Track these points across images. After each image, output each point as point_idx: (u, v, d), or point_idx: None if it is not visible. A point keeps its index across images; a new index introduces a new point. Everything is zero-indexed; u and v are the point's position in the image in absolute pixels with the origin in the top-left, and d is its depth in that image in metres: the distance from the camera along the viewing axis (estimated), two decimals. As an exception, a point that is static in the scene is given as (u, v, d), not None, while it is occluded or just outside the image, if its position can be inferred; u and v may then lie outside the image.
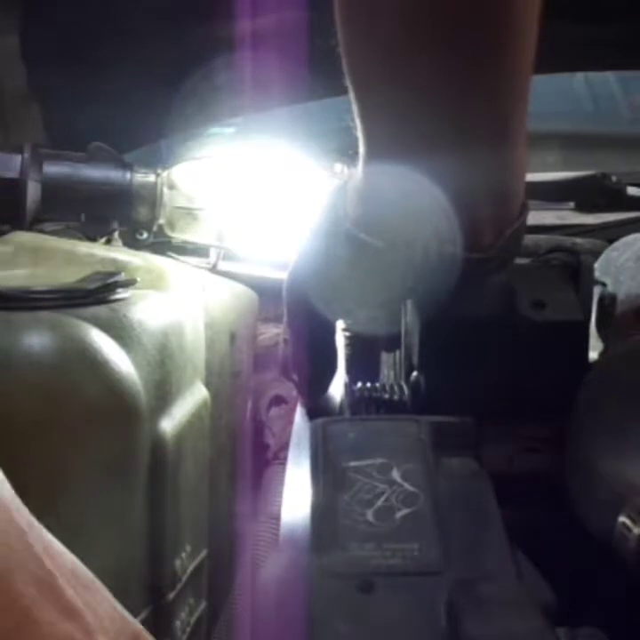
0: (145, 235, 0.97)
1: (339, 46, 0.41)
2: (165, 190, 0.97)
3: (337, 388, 0.50)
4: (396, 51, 0.40)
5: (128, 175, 0.96)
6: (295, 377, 0.55)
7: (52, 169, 0.94)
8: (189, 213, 0.98)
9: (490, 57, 0.39)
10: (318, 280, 0.48)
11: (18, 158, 0.92)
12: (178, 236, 0.99)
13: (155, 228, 0.97)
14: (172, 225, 0.98)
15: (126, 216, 0.96)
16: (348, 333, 0.51)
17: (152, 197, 0.97)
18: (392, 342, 0.47)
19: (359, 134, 0.43)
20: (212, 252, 0.99)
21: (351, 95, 0.42)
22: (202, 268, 0.97)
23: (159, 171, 0.98)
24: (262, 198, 0.99)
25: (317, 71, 1.03)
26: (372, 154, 0.43)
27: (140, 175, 0.96)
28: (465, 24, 0.38)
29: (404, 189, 0.42)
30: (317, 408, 0.51)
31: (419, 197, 0.41)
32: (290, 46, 1.03)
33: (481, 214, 0.42)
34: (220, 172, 0.99)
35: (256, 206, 0.99)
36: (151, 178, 0.97)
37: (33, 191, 0.92)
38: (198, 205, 0.98)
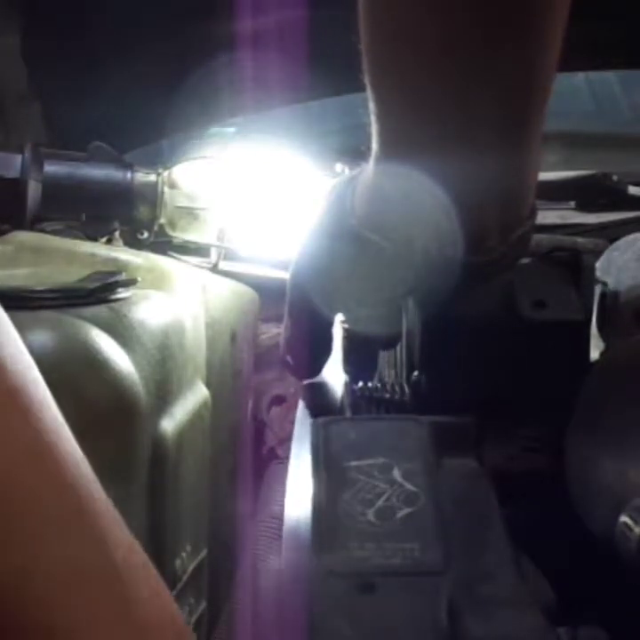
0: (146, 234, 0.97)
1: (359, 43, 0.41)
2: (166, 190, 0.97)
3: (337, 387, 0.50)
4: (414, 51, 0.39)
5: (129, 175, 0.96)
6: (289, 359, 0.55)
7: (53, 168, 0.94)
8: (190, 213, 0.98)
9: (508, 61, 0.39)
10: (320, 273, 0.48)
11: (18, 158, 0.92)
12: (179, 235, 0.99)
13: (155, 228, 0.98)
14: (172, 224, 0.98)
15: (127, 216, 0.96)
16: (346, 326, 0.51)
17: (153, 197, 0.97)
18: (389, 340, 0.47)
19: (373, 131, 0.43)
20: (213, 252, 0.99)
21: (368, 93, 0.42)
22: (203, 267, 0.97)
23: (160, 170, 0.98)
24: (263, 198, 0.99)
25: (317, 71, 1.03)
26: (383, 152, 0.43)
27: (140, 175, 0.96)
28: (483, 25, 0.38)
29: (410, 190, 0.42)
30: (318, 407, 0.51)
31: (422, 199, 0.41)
32: (290, 46, 1.03)
33: (488, 218, 0.42)
34: (221, 172, 0.99)
35: (257, 206, 0.99)
36: (152, 177, 0.97)
37: (33, 191, 0.92)
38: (199, 205, 0.98)
